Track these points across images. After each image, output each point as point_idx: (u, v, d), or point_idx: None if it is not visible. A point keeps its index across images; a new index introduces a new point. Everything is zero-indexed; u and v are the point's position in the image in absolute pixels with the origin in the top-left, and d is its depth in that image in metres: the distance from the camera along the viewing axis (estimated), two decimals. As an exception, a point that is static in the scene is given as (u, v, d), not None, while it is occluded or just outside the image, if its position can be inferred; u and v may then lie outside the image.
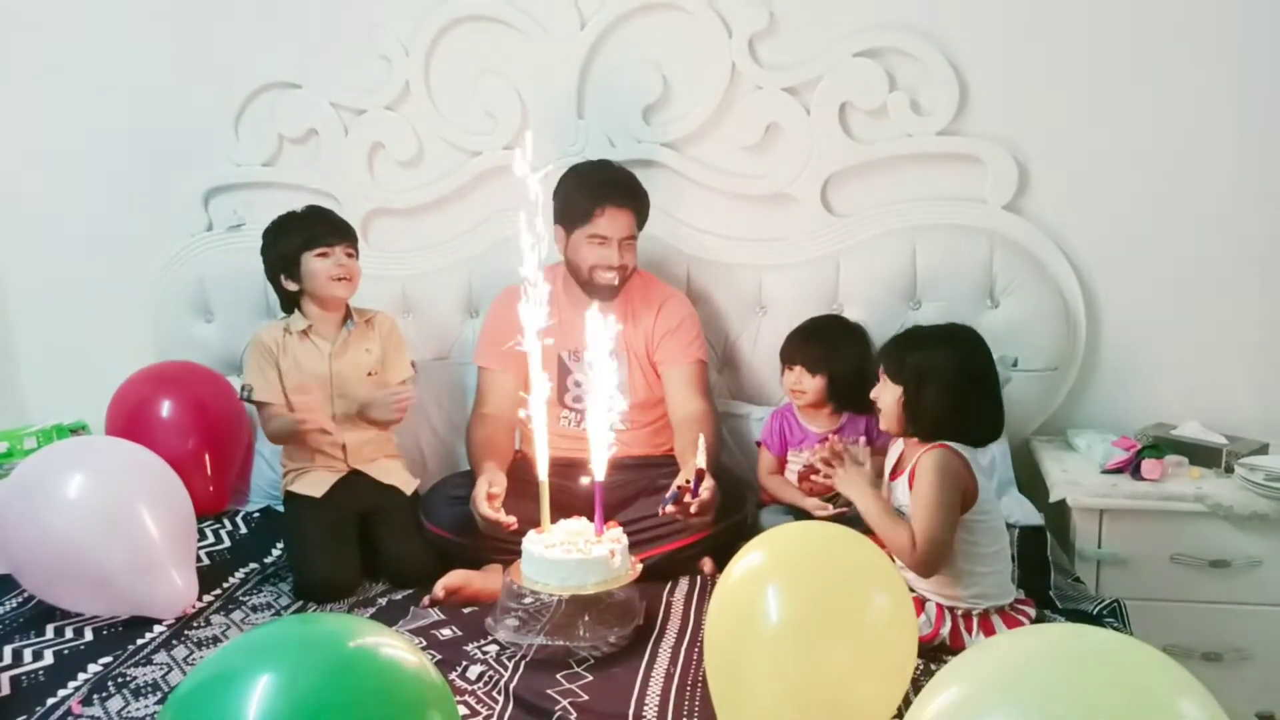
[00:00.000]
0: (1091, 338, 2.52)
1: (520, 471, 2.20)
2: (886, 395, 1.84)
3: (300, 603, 2.09)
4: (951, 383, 1.78)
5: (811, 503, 2.20)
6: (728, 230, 2.61)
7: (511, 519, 2.02)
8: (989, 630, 1.76)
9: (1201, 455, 2.33)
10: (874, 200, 2.55)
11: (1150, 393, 2.52)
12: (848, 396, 2.26)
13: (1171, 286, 2.49)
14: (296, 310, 2.31)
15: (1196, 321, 2.49)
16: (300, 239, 2.25)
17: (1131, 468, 2.28)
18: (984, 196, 2.50)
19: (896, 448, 1.91)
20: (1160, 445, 2.34)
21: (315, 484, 2.26)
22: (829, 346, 2.27)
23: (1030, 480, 2.44)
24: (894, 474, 1.87)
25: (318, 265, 2.24)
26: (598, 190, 2.26)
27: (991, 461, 2.32)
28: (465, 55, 2.63)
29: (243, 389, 2.29)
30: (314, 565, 2.13)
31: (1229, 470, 2.28)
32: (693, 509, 1.98)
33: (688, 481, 1.98)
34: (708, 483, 1.98)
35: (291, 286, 2.28)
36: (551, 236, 2.24)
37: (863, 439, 2.27)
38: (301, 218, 2.29)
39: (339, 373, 2.28)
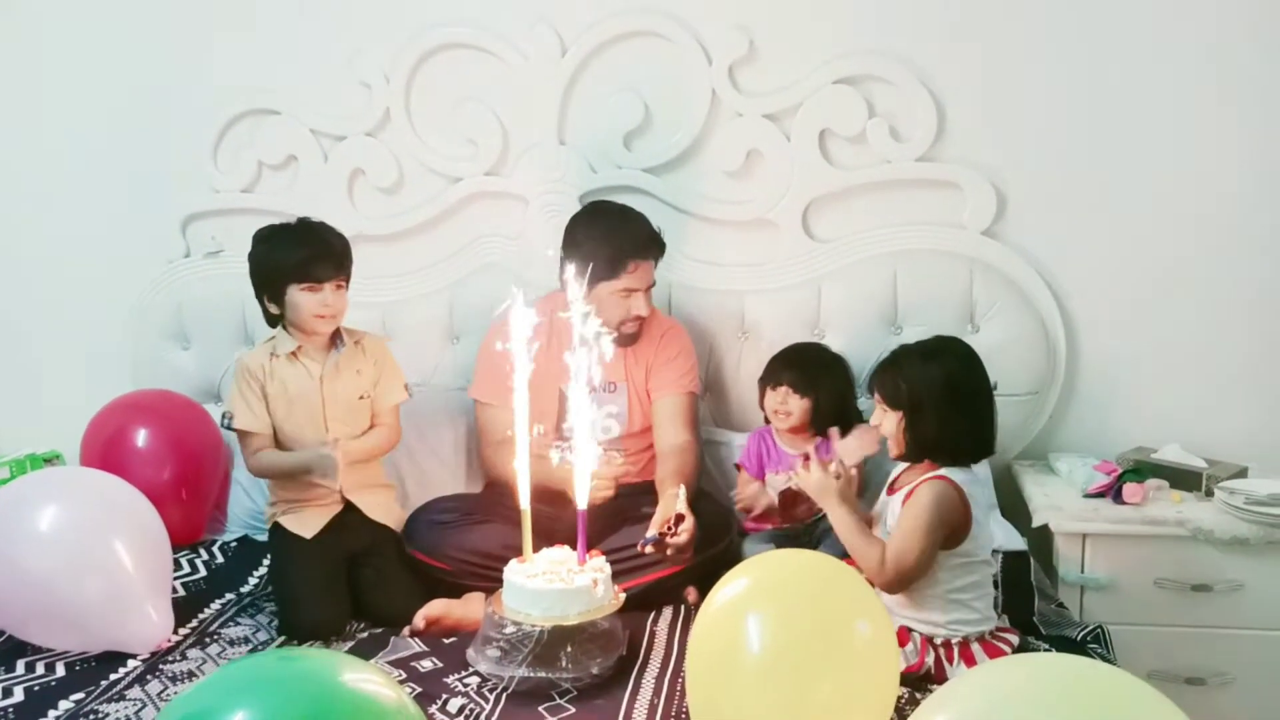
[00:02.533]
0: (1071, 362, 2.54)
1: (504, 499, 2.18)
2: (887, 423, 1.81)
3: (280, 639, 2.04)
4: (947, 399, 1.76)
5: (779, 480, 2.19)
6: (709, 256, 2.61)
7: None
8: (970, 660, 1.75)
9: (1182, 479, 2.34)
10: (855, 226, 2.56)
11: (1130, 416, 2.54)
12: (827, 421, 2.25)
13: (1150, 310, 2.51)
14: (282, 329, 2.20)
15: (1176, 345, 2.51)
16: (290, 267, 2.11)
17: (1113, 492, 2.28)
18: (963, 222, 2.51)
19: (897, 466, 1.90)
20: (1141, 469, 2.35)
21: (306, 523, 2.18)
22: (817, 370, 2.27)
23: (1012, 504, 2.44)
24: (891, 489, 1.86)
25: (302, 299, 2.12)
26: (629, 246, 2.24)
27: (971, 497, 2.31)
28: (446, 82, 2.63)
29: (224, 415, 2.21)
30: (304, 608, 2.04)
31: (1209, 494, 2.29)
32: (669, 551, 2.01)
33: (668, 527, 2.00)
34: (687, 524, 2.01)
35: (274, 310, 2.18)
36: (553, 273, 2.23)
37: (835, 464, 2.27)
38: (296, 237, 2.14)
39: (331, 396, 2.20)
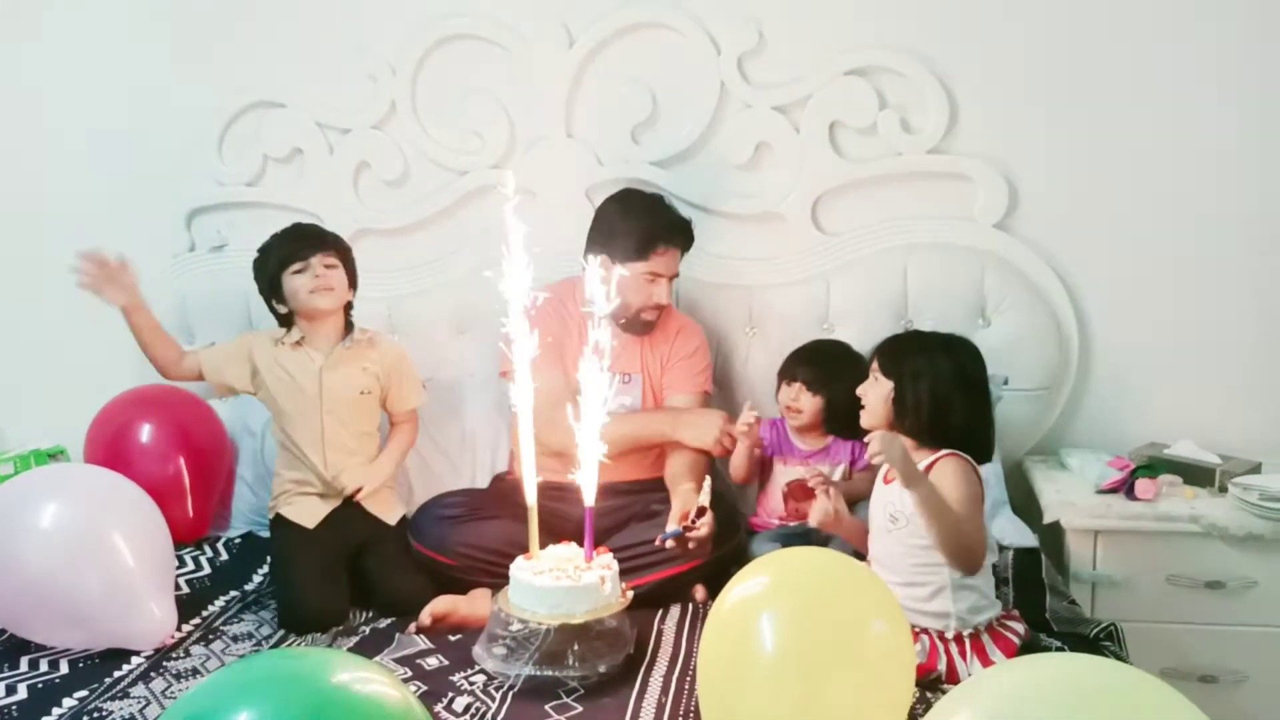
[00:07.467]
0: (1084, 356, 2.51)
1: (511, 495, 2.16)
2: (875, 390, 1.82)
3: (282, 633, 2.04)
4: (944, 385, 1.78)
5: (789, 470, 2.18)
6: (717, 249, 2.58)
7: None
8: (982, 653, 1.73)
9: (1195, 475, 2.31)
10: (864, 219, 2.54)
11: (1143, 412, 2.51)
12: (841, 421, 2.24)
13: (1164, 305, 2.49)
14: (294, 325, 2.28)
15: (1189, 340, 2.48)
16: (277, 260, 2.23)
17: (1125, 488, 2.26)
18: (975, 215, 2.49)
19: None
20: (1154, 465, 2.32)
21: (308, 513, 2.20)
22: (833, 368, 2.24)
23: (1024, 501, 2.42)
24: (889, 479, 1.83)
25: (296, 282, 2.21)
26: (660, 229, 2.26)
27: (985, 482, 2.29)
28: (452, 74, 2.61)
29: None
30: (301, 599, 2.06)
31: (1223, 490, 2.27)
32: (690, 545, 1.99)
33: (690, 520, 1.97)
34: (707, 517, 1.99)
35: (282, 309, 2.26)
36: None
37: (844, 464, 2.26)
38: (280, 236, 2.27)
39: (329, 387, 2.22)
